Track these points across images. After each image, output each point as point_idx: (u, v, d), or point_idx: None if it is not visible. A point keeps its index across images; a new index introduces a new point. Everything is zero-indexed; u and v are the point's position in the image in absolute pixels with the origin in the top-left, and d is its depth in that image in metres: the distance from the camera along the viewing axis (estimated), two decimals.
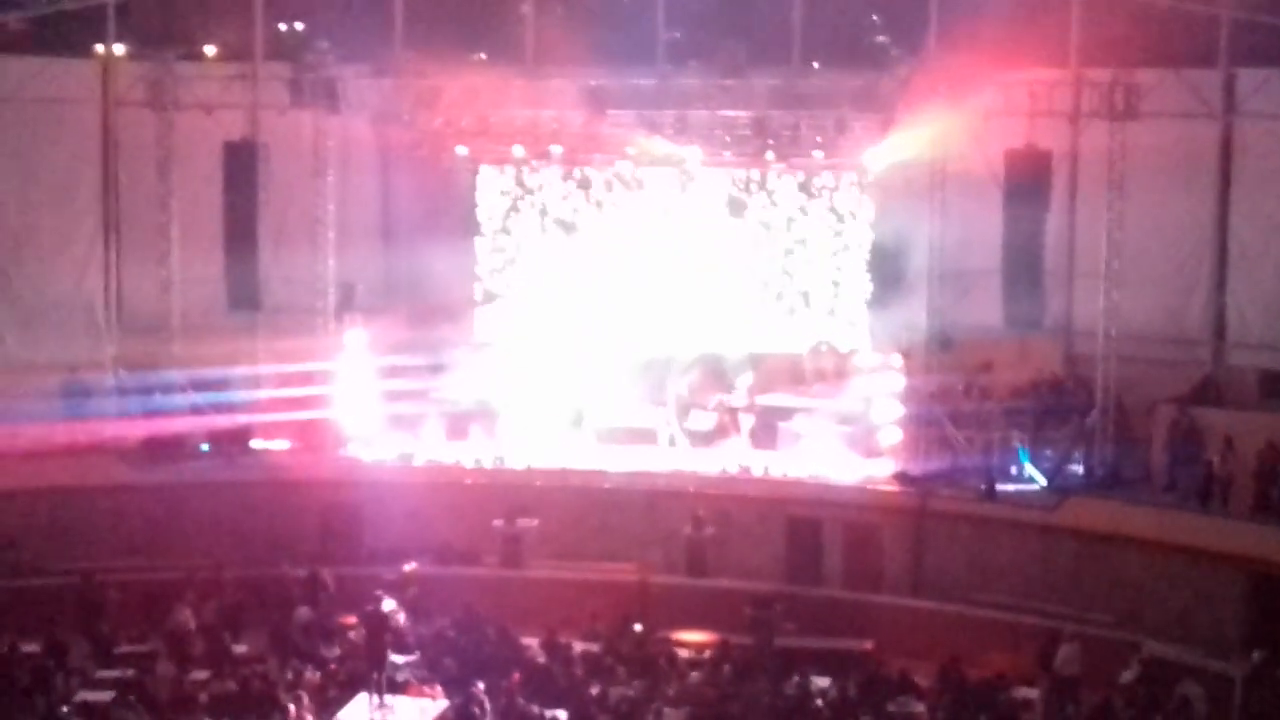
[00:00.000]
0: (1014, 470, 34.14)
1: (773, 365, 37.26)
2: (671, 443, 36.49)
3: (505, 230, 38.58)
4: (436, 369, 36.91)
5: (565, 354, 37.20)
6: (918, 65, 35.65)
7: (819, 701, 28.36)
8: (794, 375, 37.29)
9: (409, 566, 32.88)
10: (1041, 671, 29.63)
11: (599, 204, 38.20)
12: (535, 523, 34.17)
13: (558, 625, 30.84)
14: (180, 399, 35.93)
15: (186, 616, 31.04)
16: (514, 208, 38.53)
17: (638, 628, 31.14)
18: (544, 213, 38.43)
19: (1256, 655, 28.79)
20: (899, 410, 35.32)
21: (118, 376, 36.99)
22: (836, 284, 37.33)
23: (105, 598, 32.17)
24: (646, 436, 36.54)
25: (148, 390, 36.12)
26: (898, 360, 35.66)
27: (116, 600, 32.12)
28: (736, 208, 37.58)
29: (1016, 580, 32.67)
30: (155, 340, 36.79)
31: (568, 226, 38.27)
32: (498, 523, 34.10)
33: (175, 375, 36.17)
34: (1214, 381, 35.16)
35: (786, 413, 36.20)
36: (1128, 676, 29.08)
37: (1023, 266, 35.35)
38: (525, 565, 33.99)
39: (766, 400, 36.55)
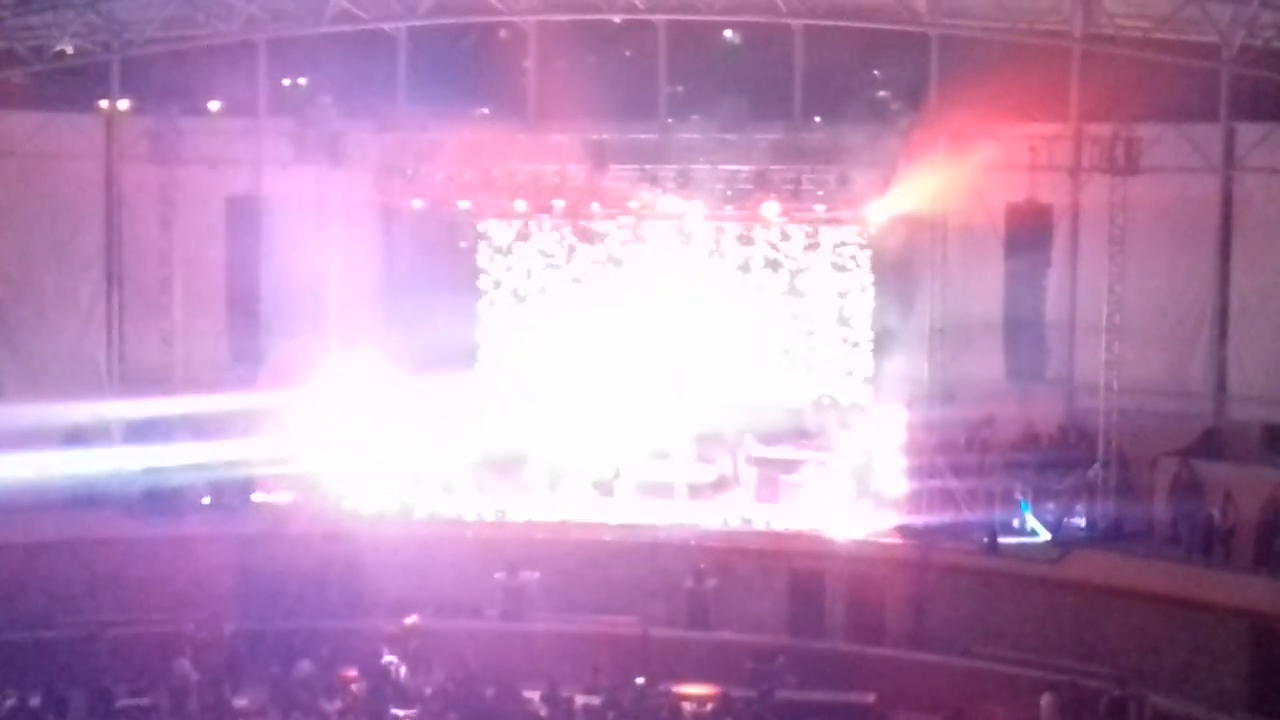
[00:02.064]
0: (1016, 523, 34.07)
1: (775, 418, 37.15)
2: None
3: (506, 283, 38.59)
4: (439, 421, 36.85)
5: (568, 405, 37.18)
6: (919, 119, 35.93)
7: None
8: (796, 429, 37.17)
9: (410, 620, 32.81)
10: None
11: (601, 257, 38.21)
12: (537, 575, 34.09)
13: (559, 678, 30.69)
14: (182, 452, 35.84)
15: (186, 669, 30.96)
16: (515, 261, 38.54)
17: (639, 680, 30.98)
18: (545, 266, 38.45)
19: None
20: (901, 463, 35.26)
21: (120, 429, 36.97)
22: (838, 338, 37.30)
23: (105, 651, 32.09)
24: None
25: (150, 443, 36.03)
26: (900, 413, 35.63)
27: (117, 653, 32.04)
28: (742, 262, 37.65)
29: (1019, 633, 32.53)
30: (157, 393, 36.79)
31: (569, 280, 38.28)
32: (499, 575, 34.02)
33: (177, 428, 36.15)
34: (1216, 434, 35.15)
35: (789, 465, 36.13)
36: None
37: (1024, 320, 35.58)
38: (527, 618, 33.86)
39: (769, 453, 36.47)
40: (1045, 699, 29.72)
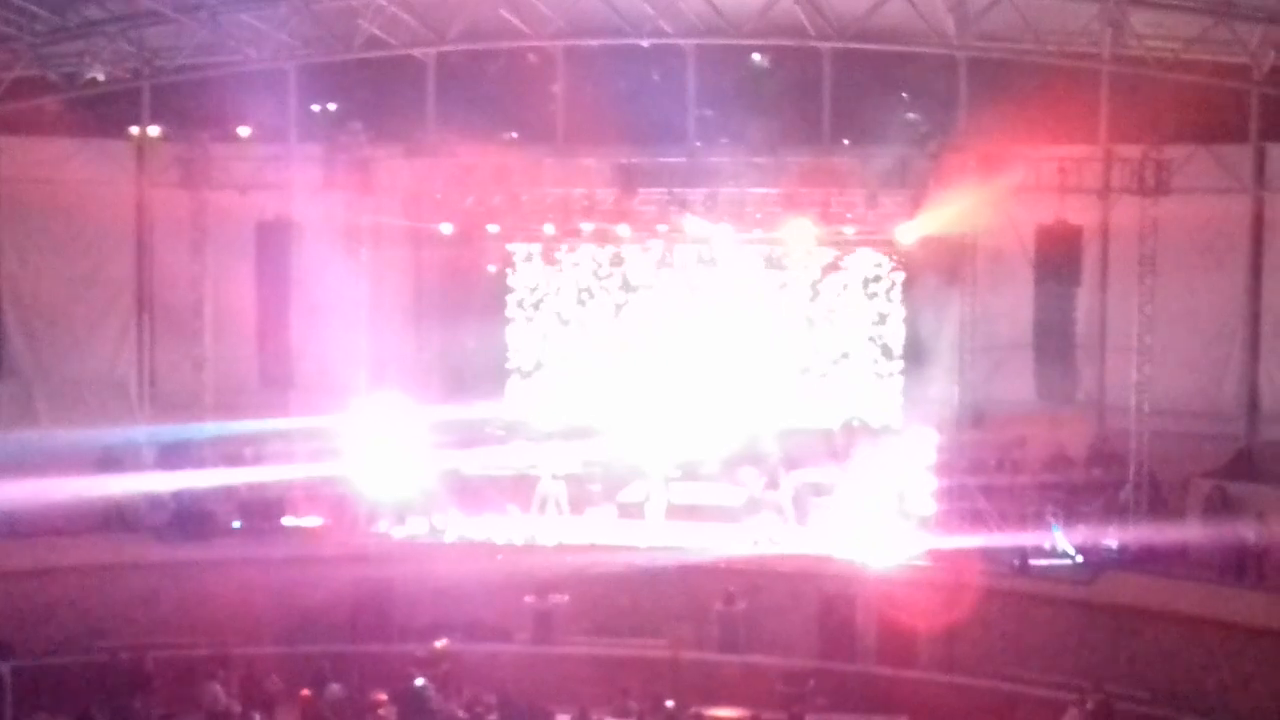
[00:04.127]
0: (1047, 545, 33.91)
1: (804, 440, 37.11)
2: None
3: (536, 307, 38.75)
4: (469, 444, 36.89)
5: (599, 429, 37.21)
6: (948, 142, 35.88)
7: None
8: (826, 451, 37.11)
9: (440, 643, 32.76)
10: None
11: (630, 281, 38.32)
12: (566, 598, 34.04)
13: (589, 701, 30.60)
14: (212, 476, 35.90)
15: (218, 693, 30.93)
16: (545, 285, 38.70)
17: (670, 704, 30.86)
18: (575, 290, 38.57)
19: None
20: (932, 485, 35.16)
21: (151, 453, 37.07)
22: (869, 359, 37.32)
23: (137, 674, 32.10)
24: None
25: (180, 467, 36.14)
26: (930, 435, 35.56)
27: (148, 677, 32.03)
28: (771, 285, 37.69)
29: (1050, 655, 32.35)
30: (188, 417, 36.92)
31: (597, 303, 38.38)
32: (529, 598, 33.97)
33: (207, 452, 36.27)
34: (1248, 455, 35.02)
35: (818, 488, 36.06)
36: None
37: (1054, 341, 35.36)
38: (557, 641, 33.81)
39: (798, 475, 36.40)
40: (1070, 714, 29.58)
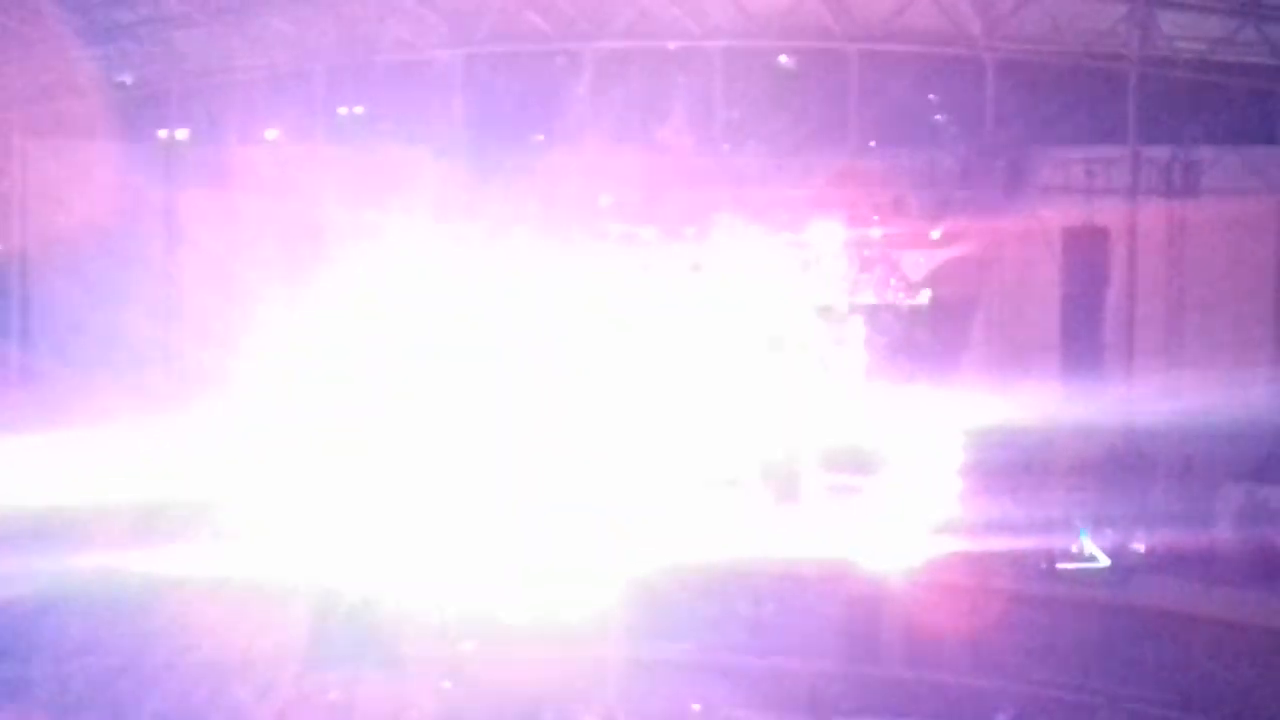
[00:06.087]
0: (1076, 548, 33.87)
1: (833, 444, 37.05)
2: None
3: (564, 308, 38.69)
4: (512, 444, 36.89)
5: (627, 432, 37.22)
6: (975, 144, 35.82)
7: None
8: (856, 454, 37.06)
9: (467, 645, 32.81)
10: None
11: (656, 281, 38.25)
12: (597, 600, 34.00)
13: (616, 703, 30.65)
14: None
15: (244, 697, 31.02)
16: (572, 287, 38.64)
17: (696, 707, 30.94)
18: (605, 289, 38.53)
19: None
20: (960, 488, 35.12)
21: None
22: (896, 362, 37.21)
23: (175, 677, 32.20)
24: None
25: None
26: (959, 438, 35.50)
27: (185, 680, 32.11)
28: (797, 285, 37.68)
29: (1078, 659, 32.32)
30: (218, 417, 37.00)
31: (625, 303, 38.36)
32: (558, 600, 33.94)
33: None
34: (1278, 459, 34.85)
35: (848, 491, 36.01)
36: None
37: (1082, 343, 35.34)
38: (584, 644, 33.76)
39: (828, 479, 36.35)
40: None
